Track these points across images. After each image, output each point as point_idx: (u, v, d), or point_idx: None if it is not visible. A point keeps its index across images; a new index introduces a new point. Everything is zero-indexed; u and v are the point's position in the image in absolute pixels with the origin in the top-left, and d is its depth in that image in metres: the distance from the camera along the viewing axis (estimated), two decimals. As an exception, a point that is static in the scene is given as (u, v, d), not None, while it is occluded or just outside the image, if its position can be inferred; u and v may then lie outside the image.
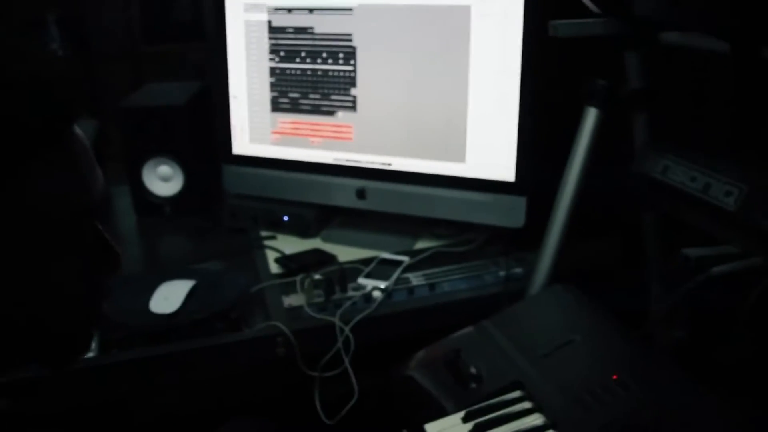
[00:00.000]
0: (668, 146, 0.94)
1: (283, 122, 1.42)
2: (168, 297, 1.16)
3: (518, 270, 1.25)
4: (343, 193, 1.40)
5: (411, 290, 1.22)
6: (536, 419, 0.86)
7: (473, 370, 0.97)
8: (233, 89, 1.45)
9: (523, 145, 1.23)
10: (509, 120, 1.23)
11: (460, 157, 1.29)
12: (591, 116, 1.11)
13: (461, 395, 0.94)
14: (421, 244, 1.39)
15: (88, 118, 1.80)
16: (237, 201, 1.49)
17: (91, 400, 1.08)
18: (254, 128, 1.45)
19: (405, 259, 1.30)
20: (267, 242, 1.42)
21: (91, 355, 1.09)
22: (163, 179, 1.57)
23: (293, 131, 1.41)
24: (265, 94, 1.42)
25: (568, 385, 0.88)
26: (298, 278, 1.23)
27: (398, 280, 1.25)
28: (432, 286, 1.23)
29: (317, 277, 1.21)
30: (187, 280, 1.20)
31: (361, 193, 1.38)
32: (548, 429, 0.84)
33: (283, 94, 1.40)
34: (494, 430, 0.85)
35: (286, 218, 1.45)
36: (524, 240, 1.25)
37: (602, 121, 1.10)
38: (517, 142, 1.23)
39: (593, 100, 1.11)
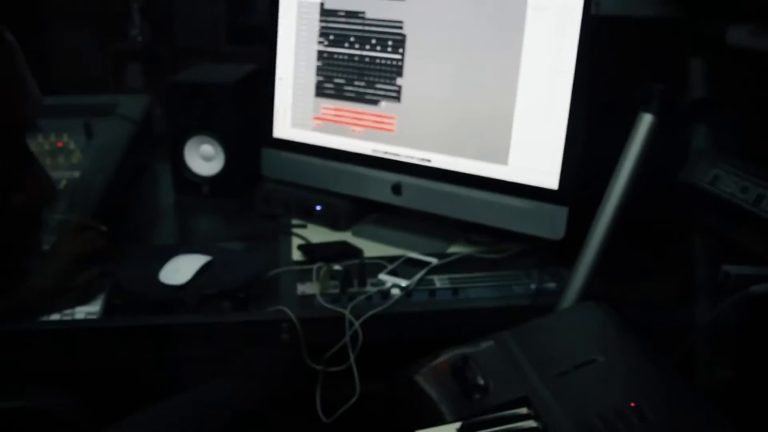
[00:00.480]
0: (721, 154, 0.84)
1: (326, 108, 1.37)
2: (179, 269, 1.12)
3: (551, 285, 1.16)
4: (378, 187, 1.34)
5: (432, 292, 1.15)
6: (537, 439, 0.77)
7: (480, 381, 0.89)
8: (280, 70, 1.41)
9: (570, 152, 1.14)
10: (557, 123, 1.14)
11: (502, 158, 1.21)
12: (645, 123, 1.02)
13: (463, 405, 0.86)
14: (454, 249, 1.31)
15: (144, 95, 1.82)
16: (271, 186, 1.45)
17: (87, 362, 1.05)
18: (296, 112, 1.41)
19: (433, 260, 1.23)
20: (296, 230, 1.37)
21: (93, 317, 1.06)
22: (205, 158, 1.55)
23: (335, 118, 1.37)
24: (311, 78, 1.38)
25: (580, 407, 0.79)
26: (315, 267, 1.17)
27: (421, 281, 1.17)
28: (455, 291, 1.15)
29: (336, 267, 1.15)
30: (202, 255, 1.16)
31: (396, 189, 1.32)
32: (548, 451, 0.75)
33: (329, 79, 1.36)
34: (489, 445, 0.77)
35: (318, 208, 1.40)
36: (562, 253, 1.15)
37: (657, 129, 1.01)
38: (563, 147, 1.14)
39: (649, 106, 1.01)
